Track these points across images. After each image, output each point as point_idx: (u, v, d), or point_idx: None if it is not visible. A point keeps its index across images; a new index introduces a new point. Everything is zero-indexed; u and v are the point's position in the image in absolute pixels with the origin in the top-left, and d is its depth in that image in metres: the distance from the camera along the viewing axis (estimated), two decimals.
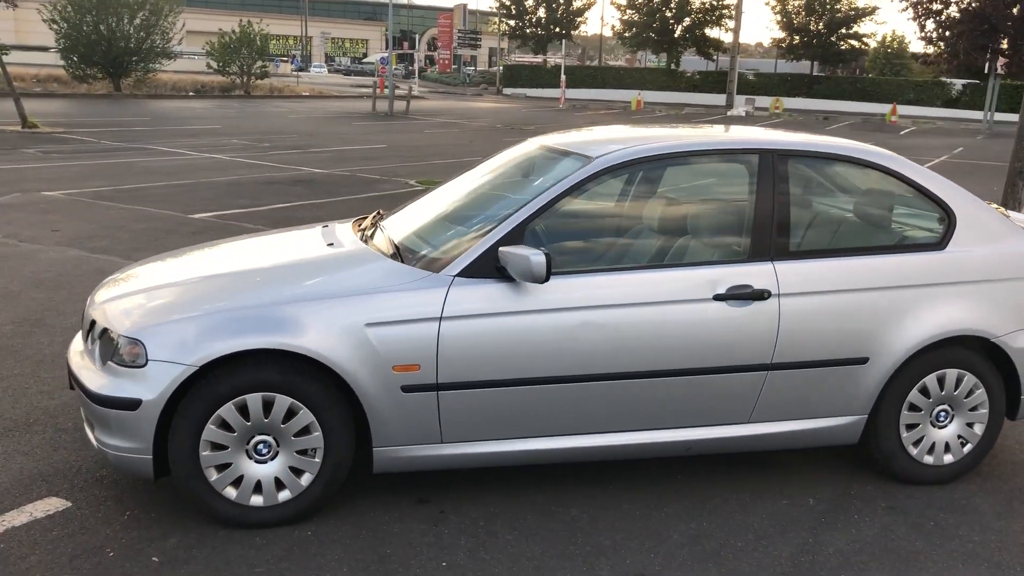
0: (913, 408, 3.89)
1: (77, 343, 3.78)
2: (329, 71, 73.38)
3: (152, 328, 3.32)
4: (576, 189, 3.64)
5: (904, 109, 40.20)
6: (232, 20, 39.65)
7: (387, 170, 14.89)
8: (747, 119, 36.44)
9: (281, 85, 42.25)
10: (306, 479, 3.43)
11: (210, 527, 3.41)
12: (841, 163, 4.07)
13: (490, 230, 3.56)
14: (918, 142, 26.71)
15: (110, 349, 3.38)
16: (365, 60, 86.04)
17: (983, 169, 18.93)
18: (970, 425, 3.98)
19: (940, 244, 3.93)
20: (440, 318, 3.39)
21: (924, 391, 3.88)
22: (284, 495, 3.42)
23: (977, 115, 41.09)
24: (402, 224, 4.13)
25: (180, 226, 9.30)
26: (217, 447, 3.33)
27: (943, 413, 3.94)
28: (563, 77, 42.51)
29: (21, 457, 3.94)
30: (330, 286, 3.49)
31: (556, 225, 3.74)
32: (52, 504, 3.56)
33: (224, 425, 3.32)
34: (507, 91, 54.08)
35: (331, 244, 3.99)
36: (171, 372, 3.23)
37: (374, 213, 4.52)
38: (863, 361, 3.76)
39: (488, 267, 3.47)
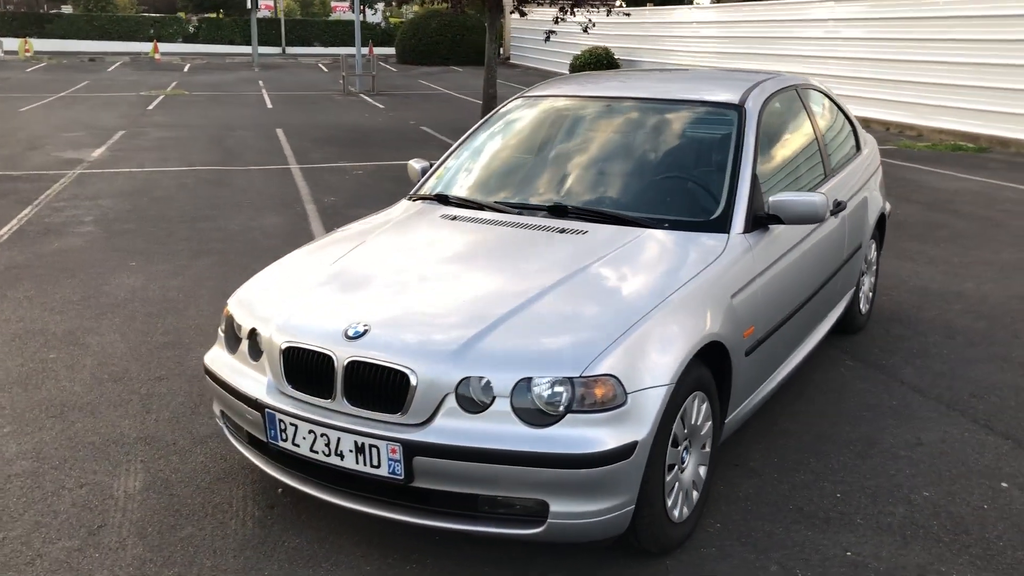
0: (863, 273, 5.16)
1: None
2: None
3: (611, 356, 2.73)
4: (759, 133, 3.90)
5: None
6: None
7: None
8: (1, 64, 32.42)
9: None
10: (703, 472, 3.24)
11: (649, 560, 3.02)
12: (814, 92, 4.98)
13: (732, 186, 3.65)
14: (219, 79, 27.44)
15: (547, 400, 2.67)
16: None
17: (333, 101, 20.74)
18: (873, 279, 5.44)
19: (859, 149, 5.20)
20: (755, 276, 3.47)
21: (866, 259, 5.18)
22: (695, 495, 3.19)
23: (226, 49, 43.28)
24: (575, 195, 3.85)
25: None
26: (669, 468, 2.96)
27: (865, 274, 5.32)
28: None
29: None
30: (675, 269, 3.24)
31: None
32: None
33: (675, 441, 2.96)
34: None
35: (563, 231, 3.50)
36: (656, 397, 2.77)
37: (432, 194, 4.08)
38: (860, 246, 4.88)
39: (752, 220, 3.60)
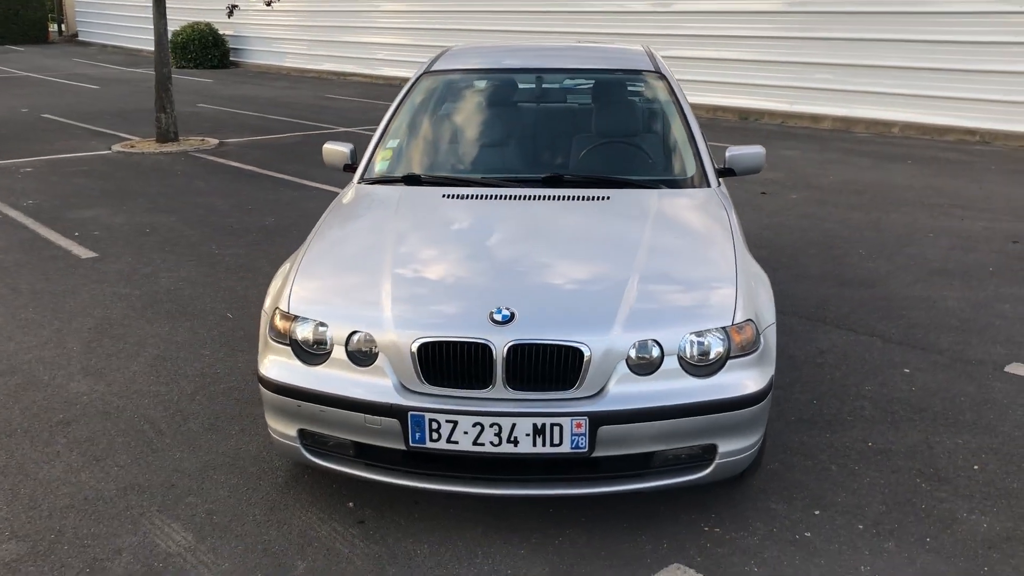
0: None
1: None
2: None
3: (743, 303, 2.94)
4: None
5: None
6: None
7: None
8: None
9: None
10: None
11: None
12: None
13: (694, 147, 3.99)
14: None
15: (711, 351, 2.85)
16: None
17: None
18: None
19: None
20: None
21: None
22: None
23: None
24: (558, 164, 3.94)
25: None
26: None
27: None
28: None
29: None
30: (714, 222, 3.51)
31: None
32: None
33: None
34: None
35: (588, 198, 3.56)
36: (772, 335, 3.09)
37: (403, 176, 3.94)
38: None
39: (715, 173, 4.00)
